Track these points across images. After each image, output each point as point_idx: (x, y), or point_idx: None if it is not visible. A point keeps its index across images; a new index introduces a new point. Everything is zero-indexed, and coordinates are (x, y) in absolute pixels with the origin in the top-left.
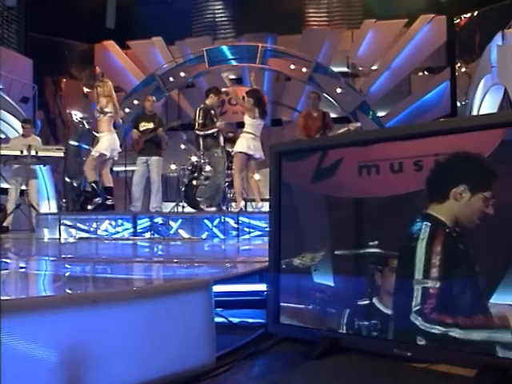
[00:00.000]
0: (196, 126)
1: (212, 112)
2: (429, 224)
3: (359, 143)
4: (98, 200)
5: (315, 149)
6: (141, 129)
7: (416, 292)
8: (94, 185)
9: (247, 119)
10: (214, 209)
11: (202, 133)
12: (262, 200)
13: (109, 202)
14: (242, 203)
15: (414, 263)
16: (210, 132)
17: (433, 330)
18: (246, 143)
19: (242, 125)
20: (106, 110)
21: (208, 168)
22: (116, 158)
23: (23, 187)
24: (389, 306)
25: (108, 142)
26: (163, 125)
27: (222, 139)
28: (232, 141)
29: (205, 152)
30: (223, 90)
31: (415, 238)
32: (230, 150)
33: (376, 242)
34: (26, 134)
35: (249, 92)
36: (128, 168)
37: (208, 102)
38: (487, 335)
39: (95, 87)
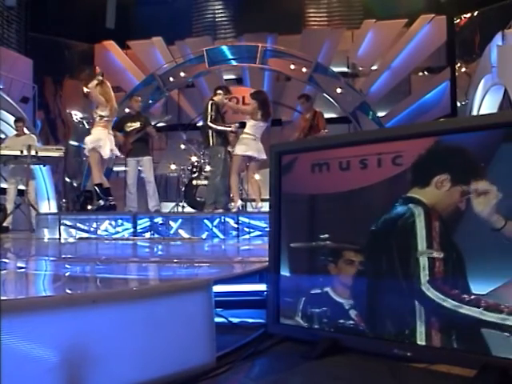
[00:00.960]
0: (208, 119)
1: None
2: (415, 205)
3: (356, 143)
4: (100, 202)
5: (315, 149)
6: (127, 130)
7: (423, 262)
8: (96, 188)
9: (249, 121)
10: (221, 210)
11: (214, 126)
12: (262, 200)
13: (111, 203)
14: (239, 203)
15: (412, 238)
16: (223, 129)
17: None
18: (246, 145)
19: (242, 125)
20: (102, 113)
21: (208, 168)
22: (114, 157)
23: (21, 187)
24: (343, 296)
25: (97, 135)
26: (150, 123)
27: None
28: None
29: (210, 148)
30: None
31: (400, 219)
32: (231, 149)
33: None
34: (20, 133)
35: (253, 94)
36: (126, 168)
37: (216, 98)
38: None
39: (94, 86)
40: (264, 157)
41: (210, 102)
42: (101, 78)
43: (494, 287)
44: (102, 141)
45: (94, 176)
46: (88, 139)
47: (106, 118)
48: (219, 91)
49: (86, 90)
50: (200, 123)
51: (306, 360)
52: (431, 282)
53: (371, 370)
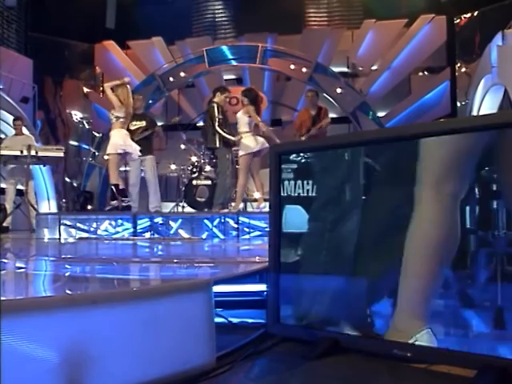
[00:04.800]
0: (216, 123)
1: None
2: None
3: (357, 144)
4: (114, 203)
5: (314, 149)
6: (131, 128)
7: None
8: (113, 187)
9: (242, 117)
10: (226, 210)
11: (221, 132)
12: (265, 200)
13: (125, 204)
14: (242, 205)
15: None
16: (227, 137)
17: None
18: (250, 143)
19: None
20: (118, 114)
21: (208, 168)
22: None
23: (20, 187)
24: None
25: (114, 140)
26: (155, 123)
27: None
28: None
29: (217, 149)
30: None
31: None
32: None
33: None
34: (18, 133)
35: (244, 91)
36: (128, 168)
37: (216, 100)
38: None
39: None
40: (267, 145)
41: (215, 105)
42: (126, 81)
43: None
44: (125, 144)
45: (110, 177)
46: (110, 144)
47: (121, 119)
48: (218, 93)
49: (85, 89)
50: (201, 123)
51: (306, 360)
52: None
53: (371, 369)
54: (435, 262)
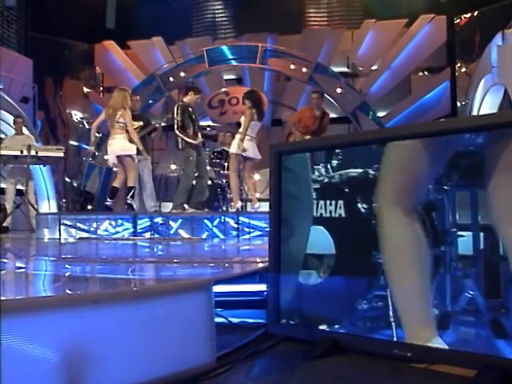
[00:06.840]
0: (175, 125)
1: (190, 109)
2: None
3: (354, 144)
4: (108, 203)
5: (314, 149)
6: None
7: None
8: (113, 189)
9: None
10: (178, 210)
11: (180, 135)
12: (260, 200)
13: (128, 202)
14: (239, 203)
15: None
16: (188, 140)
17: None
18: (242, 145)
19: (238, 125)
20: (120, 120)
21: (208, 168)
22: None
23: (20, 187)
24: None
25: (111, 147)
26: (151, 122)
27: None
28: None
29: (181, 151)
30: (223, 90)
31: None
32: (228, 149)
33: None
34: (18, 132)
35: (246, 94)
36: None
37: (186, 99)
38: None
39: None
40: (259, 157)
41: (176, 106)
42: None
43: None
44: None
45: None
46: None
47: (121, 124)
48: (191, 92)
49: (85, 89)
50: (200, 123)
51: (307, 360)
52: None
53: (371, 369)
54: (409, 274)
